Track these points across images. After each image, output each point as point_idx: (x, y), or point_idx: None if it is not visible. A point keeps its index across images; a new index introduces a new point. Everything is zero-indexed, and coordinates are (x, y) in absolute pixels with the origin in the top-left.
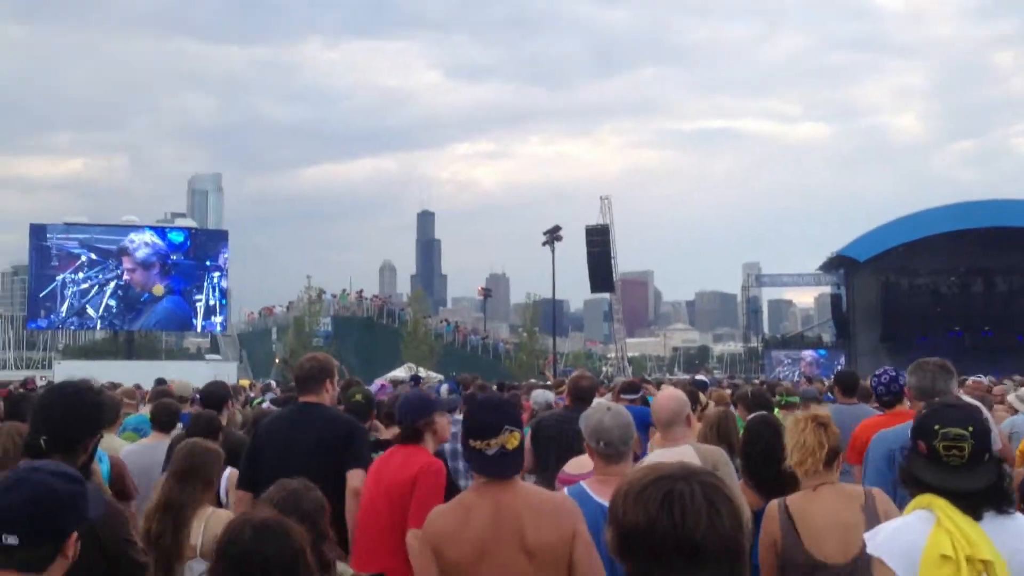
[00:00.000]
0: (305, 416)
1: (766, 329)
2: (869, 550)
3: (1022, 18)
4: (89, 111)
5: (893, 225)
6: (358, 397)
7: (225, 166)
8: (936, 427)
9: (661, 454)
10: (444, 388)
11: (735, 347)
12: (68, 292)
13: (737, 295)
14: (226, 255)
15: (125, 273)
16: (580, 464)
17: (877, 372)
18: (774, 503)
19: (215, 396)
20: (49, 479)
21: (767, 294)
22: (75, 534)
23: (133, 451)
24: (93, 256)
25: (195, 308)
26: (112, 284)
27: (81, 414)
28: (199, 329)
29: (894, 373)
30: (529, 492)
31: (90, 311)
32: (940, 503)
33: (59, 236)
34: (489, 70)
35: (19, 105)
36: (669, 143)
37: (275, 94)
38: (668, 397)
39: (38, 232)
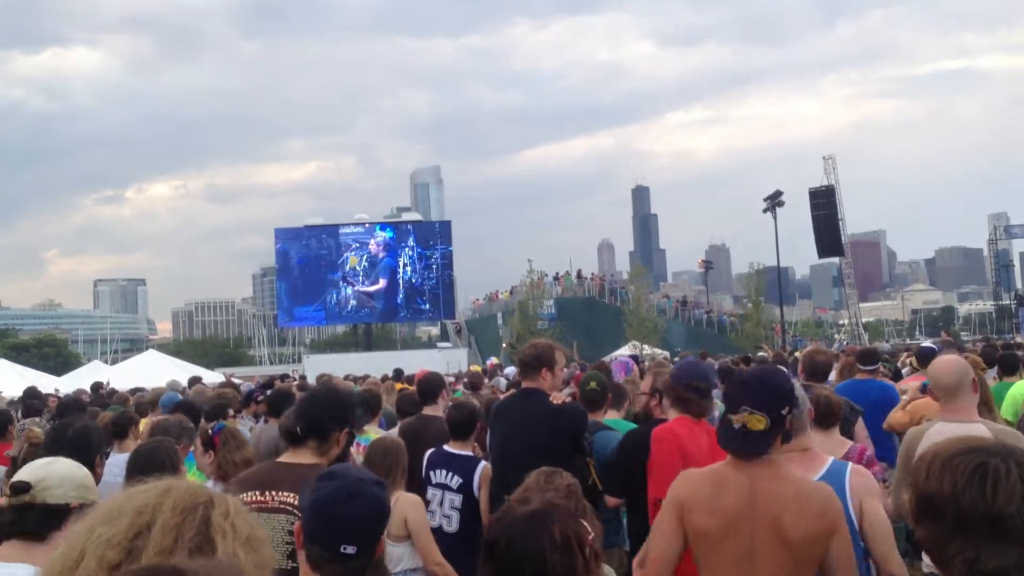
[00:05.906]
0: (527, 403)
1: (1019, 285)
2: None
3: None
4: (317, 117)
5: None
6: (593, 385)
7: (443, 157)
8: None
9: (948, 428)
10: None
11: (984, 306)
12: (312, 289)
13: (983, 249)
14: (450, 247)
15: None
16: None
17: None
18: None
19: (430, 386)
20: (375, 490)
21: (1018, 246)
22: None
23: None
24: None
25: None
26: (363, 262)
27: (333, 409)
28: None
29: None
30: (794, 479)
31: (342, 299)
32: None
33: (299, 240)
34: (703, 33)
35: (256, 116)
36: (900, 91)
37: (487, 82)
38: (948, 362)
39: (282, 236)
